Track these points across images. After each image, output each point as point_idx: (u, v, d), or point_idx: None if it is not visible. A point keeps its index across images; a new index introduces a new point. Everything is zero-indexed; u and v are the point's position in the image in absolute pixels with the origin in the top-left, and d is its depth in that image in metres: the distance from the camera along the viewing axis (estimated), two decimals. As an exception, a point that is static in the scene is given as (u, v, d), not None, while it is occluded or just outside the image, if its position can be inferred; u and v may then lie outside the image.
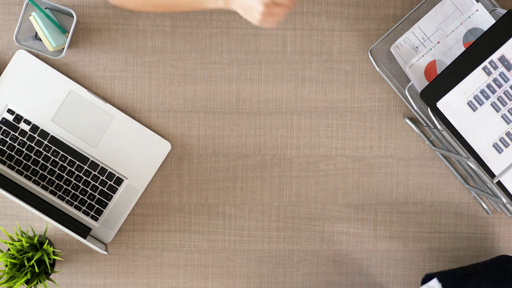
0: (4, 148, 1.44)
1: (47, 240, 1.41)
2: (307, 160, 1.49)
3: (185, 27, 1.46)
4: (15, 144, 1.44)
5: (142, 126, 1.46)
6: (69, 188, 1.45)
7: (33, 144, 1.44)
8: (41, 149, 1.44)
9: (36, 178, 1.45)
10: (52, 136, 1.45)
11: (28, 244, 1.37)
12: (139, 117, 1.47)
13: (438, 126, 1.32)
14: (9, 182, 1.44)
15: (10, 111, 1.44)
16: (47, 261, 1.34)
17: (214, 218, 1.48)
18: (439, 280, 1.38)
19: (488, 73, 1.30)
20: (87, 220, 1.46)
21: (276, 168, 1.48)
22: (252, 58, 1.47)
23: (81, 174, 1.45)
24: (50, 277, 1.44)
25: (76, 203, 1.46)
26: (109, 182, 1.45)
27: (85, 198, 1.46)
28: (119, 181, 1.46)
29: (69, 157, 1.45)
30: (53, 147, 1.45)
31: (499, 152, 1.31)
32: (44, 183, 1.45)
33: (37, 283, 1.36)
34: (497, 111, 1.31)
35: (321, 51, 1.46)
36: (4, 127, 1.44)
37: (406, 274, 1.50)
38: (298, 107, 1.48)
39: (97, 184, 1.45)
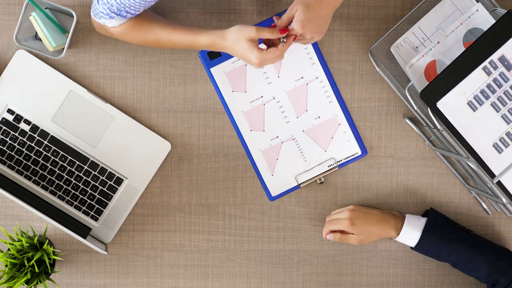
0: (4, 148, 1.44)
1: (47, 240, 1.41)
2: (307, 160, 1.48)
3: (185, 27, 1.46)
4: (15, 144, 1.44)
5: (142, 126, 1.45)
6: (69, 188, 1.45)
7: (33, 144, 1.44)
8: (41, 149, 1.44)
9: (36, 178, 1.45)
10: (52, 136, 1.44)
11: (28, 244, 1.36)
12: (139, 117, 1.47)
13: (438, 126, 1.32)
14: (9, 182, 1.44)
15: (10, 111, 1.44)
16: (47, 261, 1.34)
17: (214, 218, 1.48)
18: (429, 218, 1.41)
19: (488, 73, 1.30)
20: (87, 220, 1.46)
21: (276, 168, 1.48)
22: (252, 58, 1.47)
23: (81, 174, 1.45)
24: (50, 277, 1.44)
25: (76, 203, 1.46)
26: (109, 182, 1.45)
27: (85, 198, 1.46)
28: (119, 181, 1.45)
29: (69, 157, 1.45)
30: (53, 147, 1.44)
31: (499, 152, 1.31)
32: (44, 183, 1.45)
33: (37, 283, 1.36)
34: (497, 111, 1.31)
35: (321, 51, 1.46)
36: (4, 127, 1.44)
37: (406, 274, 1.50)
38: (298, 107, 1.48)
39: (97, 184, 1.45)
